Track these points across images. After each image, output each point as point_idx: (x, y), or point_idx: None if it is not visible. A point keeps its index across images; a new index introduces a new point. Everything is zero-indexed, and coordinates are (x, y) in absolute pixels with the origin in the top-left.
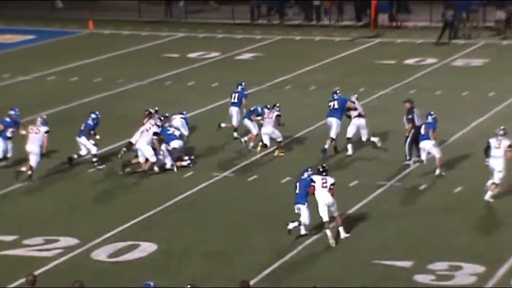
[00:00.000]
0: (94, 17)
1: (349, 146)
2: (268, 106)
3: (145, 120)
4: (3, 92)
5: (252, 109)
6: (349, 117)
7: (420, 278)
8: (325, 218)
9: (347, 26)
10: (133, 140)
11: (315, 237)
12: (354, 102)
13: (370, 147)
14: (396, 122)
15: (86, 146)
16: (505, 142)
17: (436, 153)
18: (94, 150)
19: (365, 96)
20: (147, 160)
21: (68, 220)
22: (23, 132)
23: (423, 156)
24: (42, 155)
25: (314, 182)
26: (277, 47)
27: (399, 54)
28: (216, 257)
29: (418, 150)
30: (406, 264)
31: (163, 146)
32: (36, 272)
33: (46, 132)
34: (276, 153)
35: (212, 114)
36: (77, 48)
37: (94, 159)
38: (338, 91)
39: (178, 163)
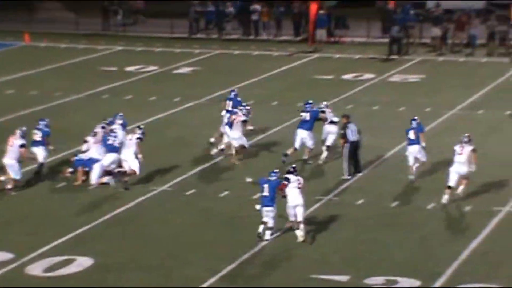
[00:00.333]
0: (30, 29)
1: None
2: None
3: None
4: None
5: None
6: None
7: None
8: (293, 218)
9: (285, 41)
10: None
11: (256, 249)
12: (324, 112)
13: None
14: None
15: (39, 154)
16: (468, 148)
17: (422, 156)
18: (42, 160)
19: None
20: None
21: (2, 235)
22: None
23: (411, 162)
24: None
25: (288, 181)
26: (216, 61)
27: (337, 69)
28: (153, 271)
29: (355, 163)
30: (343, 278)
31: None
32: None
33: (21, 146)
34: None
35: (150, 128)
36: (13, 60)
37: (39, 169)
38: (311, 102)
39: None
